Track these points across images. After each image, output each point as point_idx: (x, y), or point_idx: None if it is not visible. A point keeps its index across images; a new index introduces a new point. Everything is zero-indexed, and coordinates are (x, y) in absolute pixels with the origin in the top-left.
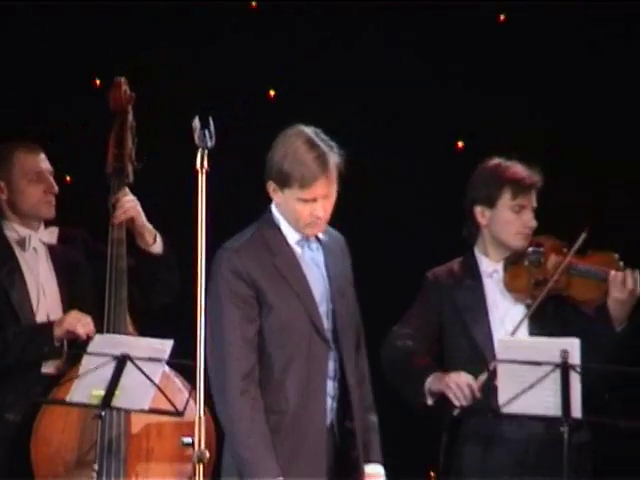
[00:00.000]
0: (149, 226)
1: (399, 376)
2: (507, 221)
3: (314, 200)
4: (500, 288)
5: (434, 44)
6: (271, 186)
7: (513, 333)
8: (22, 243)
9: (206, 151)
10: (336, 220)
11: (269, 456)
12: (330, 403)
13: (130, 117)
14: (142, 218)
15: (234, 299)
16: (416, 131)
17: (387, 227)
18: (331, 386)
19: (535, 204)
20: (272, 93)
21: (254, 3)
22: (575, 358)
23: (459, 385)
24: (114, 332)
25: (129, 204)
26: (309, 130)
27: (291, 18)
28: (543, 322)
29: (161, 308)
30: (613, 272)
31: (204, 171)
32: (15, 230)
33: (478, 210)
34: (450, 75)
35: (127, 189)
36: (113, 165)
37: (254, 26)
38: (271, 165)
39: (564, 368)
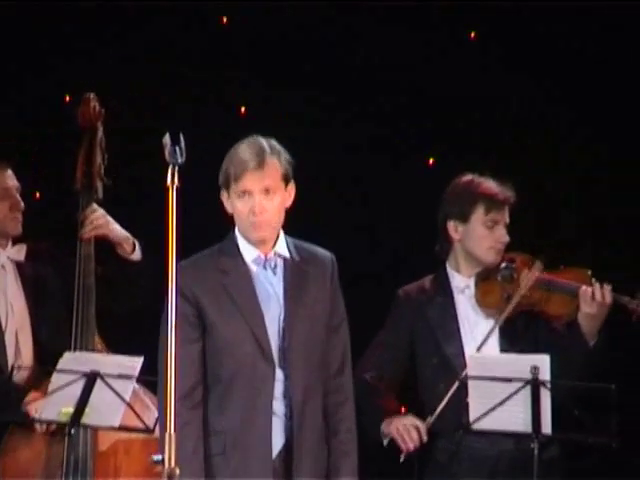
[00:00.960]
0: (125, 235)
1: (363, 411)
2: (480, 236)
3: (250, 194)
4: (472, 304)
5: (408, 56)
6: (223, 195)
7: (479, 348)
8: None
9: (177, 167)
10: (308, 234)
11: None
12: (282, 423)
13: (99, 133)
14: (116, 231)
15: (182, 317)
16: (389, 146)
17: (358, 242)
18: (280, 406)
19: (508, 220)
20: (243, 109)
21: (225, 18)
22: (545, 374)
23: (406, 428)
24: (82, 349)
25: (98, 221)
26: (260, 137)
27: (261, 33)
28: (514, 338)
29: (131, 324)
30: (583, 287)
31: (174, 187)
32: None
33: (451, 225)
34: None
35: (95, 205)
36: (82, 181)
37: (225, 41)
38: (220, 173)
39: (534, 384)
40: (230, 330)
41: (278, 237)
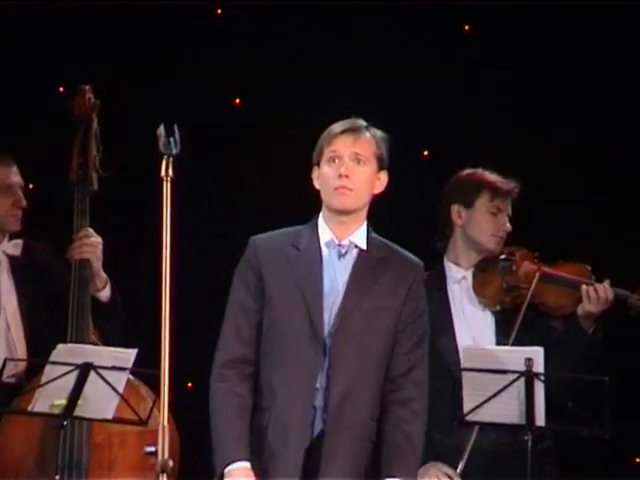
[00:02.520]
0: (102, 274)
1: None
2: (483, 221)
3: (340, 158)
4: (469, 295)
5: (401, 50)
6: (314, 173)
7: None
8: None
9: (171, 159)
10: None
11: (231, 440)
12: (320, 414)
13: (94, 125)
14: (98, 264)
15: (241, 285)
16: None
17: None
18: (319, 395)
19: (510, 212)
20: (237, 101)
21: (219, 10)
22: (539, 366)
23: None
24: (78, 340)
25: (88, 248)
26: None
27: (256, 26)
28: (510, 331)
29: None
30: (585, 286)
31: (169, 179)
32: None
33: (455, 210)
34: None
35: (91, 230)
36: (77, 173)
37: (220, 33)
38: (315, 150)
39: (528, 376)
40: (286, 306)
41: (359, 228)
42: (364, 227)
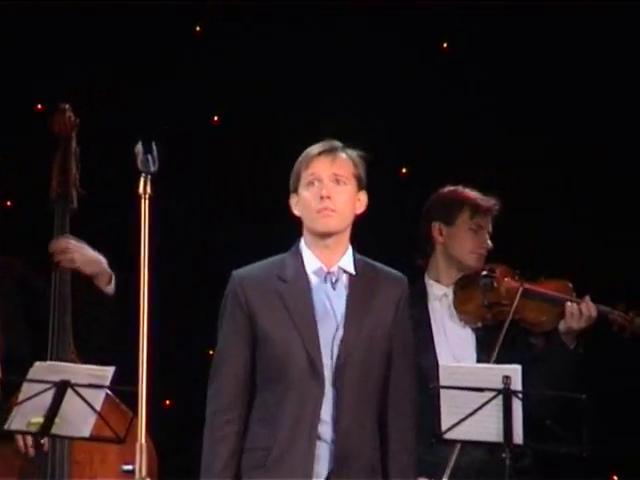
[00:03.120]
0: (106, 271)
1: None
2: (464, 238)
3: (319, 180)
4: (450, 312)
5: (378, 67)
6: (292, 199)
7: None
8: None
9: (149, 176)
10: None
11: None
12: (328, 448)
13: (74, 143)
14: (89, 266)
15: (230, 326)
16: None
17: None
18: (327, 430)
19: (491, 229)
20: (216, 118)
21: (198, 28)
22: (517, 384)
23: None
24: (58, 358)
25: (68, 256)
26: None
27: (235, 43)
28: (491, 348)
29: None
30: (569, 303)
31: (147, 196)
32: None
33: (436, 227)
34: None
35: (70, 236)
36: (57, 191)
37: (198, 50)
38: (291, 176)
39: (506, 394)
40: (282, 341)
41: (345, 252)
42: (350, 251)
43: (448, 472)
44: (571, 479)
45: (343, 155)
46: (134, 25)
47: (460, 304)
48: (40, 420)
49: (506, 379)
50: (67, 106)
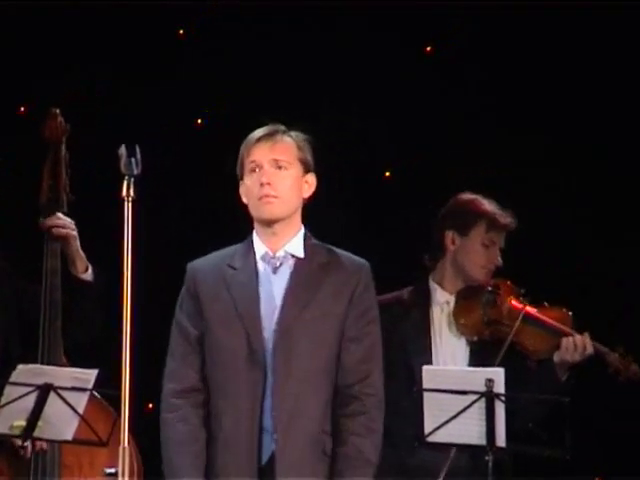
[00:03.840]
0: (82, 254)
1: None
2: (476, 252)
3: (260, 167)
4: (448, 320)
5: (361, 71)
6: (241, 188)
7: None
8: None
9: (132, 179)
10: None
11: (183, 473)
12: (270, 436)
13: (64, 148)
14: (77, 243)
15: (182, 313)
16: (344, 161)
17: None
18: (268, 418)
19: (503, 245)
20: (199, 121)
21: (181, 31)
22: (500, 387)
23: None
24: (49, 363)
25: (63, 223)
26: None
27: (219, 45)
28: (485, 361)
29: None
30: (565, 338)
31: (130, 199)
32: None
33: (449, 235)
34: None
35: (60, 214)
36: (47, 196)
37: (182, 53)
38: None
39: (489, 397)
40: (225, 330)
41: (295, 235)
42: (300, 234)
43: (442, 475)
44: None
45: (284, 139)
46: (119, 28)
47: (460, 315)
48: (23, 423)
49: (489, 382)
50: (58, 111)
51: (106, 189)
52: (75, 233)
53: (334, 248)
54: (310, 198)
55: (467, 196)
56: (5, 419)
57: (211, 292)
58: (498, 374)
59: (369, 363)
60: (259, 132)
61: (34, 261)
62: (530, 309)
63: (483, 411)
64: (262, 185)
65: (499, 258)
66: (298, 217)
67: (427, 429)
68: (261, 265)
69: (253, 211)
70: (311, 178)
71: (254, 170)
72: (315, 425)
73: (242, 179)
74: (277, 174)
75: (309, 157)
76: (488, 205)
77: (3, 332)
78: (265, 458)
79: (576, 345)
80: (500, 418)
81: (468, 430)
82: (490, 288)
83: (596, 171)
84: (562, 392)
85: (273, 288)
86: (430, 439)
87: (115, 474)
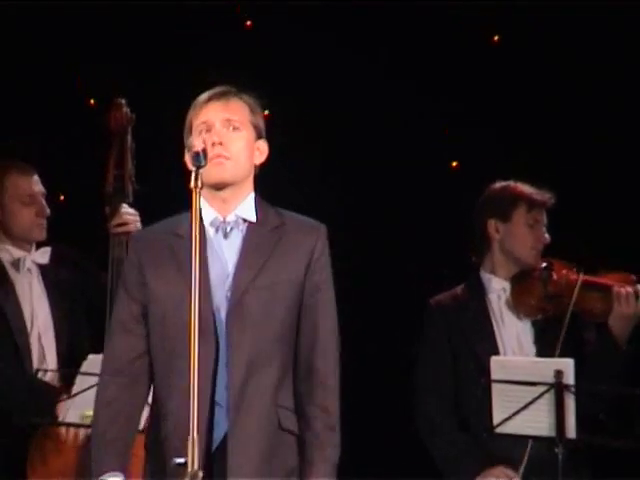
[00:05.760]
0: None
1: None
2: (522, 234)
3: (210, 127)
4: (508, 305)
5: (425, 62)
6: (187, 155)
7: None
8: (16, 265)
9: (200, 170)
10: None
11: (106, 449)
12: (224, 410)
13: (129, 138)
14: None
15: (122, 287)
16: (411, 151)
17: (378, 248)
18: (221, 390)
19: (546, 222)
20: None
21: (249, 22)
22: (569, 378)
23: None
24: None
25: (130, 217)
26: None
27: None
28: (551, 342)
29: None
30: (616, 287)
31: (198, 190)
32: (9, 252)
33: (491, 224)
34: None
35: (127, 205)
36: (113, 185)
37: (248, 44)
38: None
39: (558, 388)
40: (171, 301)
41: (246, 199)
42: (251, 198)
43: (522, 469)
44: (626, 474)
45: (237, 99)
46: (186, 17)
47: (519, 298)
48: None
49: (558, 373)
50: (123, 101)
51: (170, 179)
52: (139, 225)
53: (286, 211)
54: (261, 166)
55: (500, 183)
56: (77, 409)
57: (155, 261)
58: (567, 365)
59: (323, 332)
60: (209, 92)
61: (100, 250)
62: (587, 276)
63: (552, 402)
64: (213, 145)
65: (546, 235)
66: (250, 184)
67: (496, 420)
68: (210, 231)
69: (203, 174)
70: (263, 145)
71: (204, 131)
72: (267, 399)
73: (187, 141)
74: (229, 135)
75: (261, 122)
76: (523, 187)
77: (72, 322)
78: (220, 435)
79: (628, 293)
80: (570, 409)
81: (537, 421)
82: (544, 265)
83: None
84: (624, 360)
85: (224, 254)
86: (499, 430)
87: (184, 464)
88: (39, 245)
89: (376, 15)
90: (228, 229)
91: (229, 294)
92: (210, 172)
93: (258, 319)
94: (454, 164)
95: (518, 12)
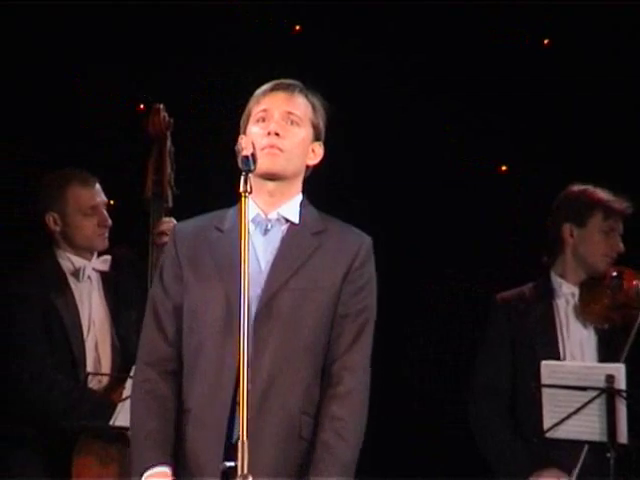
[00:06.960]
0: None
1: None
2: (596, 242)
3: (270, 115)
4: (575, 311)
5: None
6: (240, 141)
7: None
8: (76, 274)
9: (250, 175)
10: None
11: (151, 443)
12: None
13: (169, 143)
14: None
15: (159, 279)
16: (459, 155)
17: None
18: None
19: (622, 232)
20: None
21: (298, 27)
22: (621, 383)
23: None
24: None
25: (166, 230)
26: None
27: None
28: (614, 349)
29: None
30: None
31: (247, 195)
32: (70, 260)
33: (566, 228)
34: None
35: (171, 218)
36: (152, 190)
37: (294, 45)
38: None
39: (609, 393)
40: (203, 294)
41: (292, 200)
42: (297, 199)
43: (575, 473)
44: None
45: (301, 95)
46: (230, 23)
47: (587, 305)
48: None
49: (609, 378)
50: (162, 106)
51: (211, 184)
52: None
53: (334, 218)
54: (314, 168)
55: (578, 187)
56: (126, 412)
57: (192, 254)
58: (618, 370)
59: (360, 342)
60: (275, 81)
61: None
62: None
63: (604, 407)
64: (269, 134)
65: (620, 244)
66: (298, 184)
67: (546, 425)
68: (251, 227)
69: (257, 164)
70: (319, 148)
71: (263, 119)
72: (293, 404)
73: (245, 133)
74: (287, 128)
75: (322, 124)
76: (601, 193)
77: (128, 327)
78: (237, 434)
79: None
80: (621, 414)
81: (588, 426)
82: (615, 273)
83: None
84: None
85: (260, 251)
86: (549, 435)
87: (234, 468)
88: (100, 253)
89: (419, 18)
90: (269, 226)
91: (260, 293)
92: (262, 161)
93: (287, 322)
94: (503, 168)
95: (570, 14)
